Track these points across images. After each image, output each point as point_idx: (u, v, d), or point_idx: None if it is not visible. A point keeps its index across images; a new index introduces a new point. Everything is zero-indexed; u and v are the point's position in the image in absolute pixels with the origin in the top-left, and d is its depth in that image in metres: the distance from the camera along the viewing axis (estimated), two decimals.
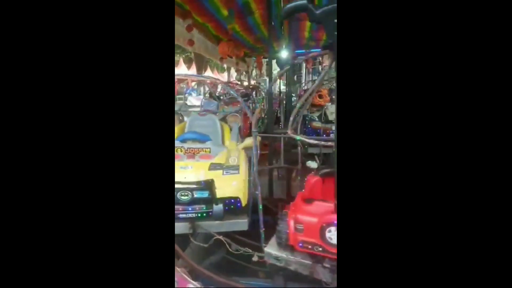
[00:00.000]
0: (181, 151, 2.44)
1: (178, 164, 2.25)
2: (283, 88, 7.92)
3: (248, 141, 2.73)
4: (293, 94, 6.53)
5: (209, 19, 5.13)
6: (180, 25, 4.53)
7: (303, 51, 8.26)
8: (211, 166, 2.33)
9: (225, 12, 4.62)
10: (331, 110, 4.41)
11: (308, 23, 5.98)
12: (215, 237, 2.09)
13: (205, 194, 2.20)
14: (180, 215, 2.15)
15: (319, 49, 8.31)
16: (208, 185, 2.20)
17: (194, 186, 2.19)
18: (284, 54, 6.32)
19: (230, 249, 2.08)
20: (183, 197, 2.17)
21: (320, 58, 9.06)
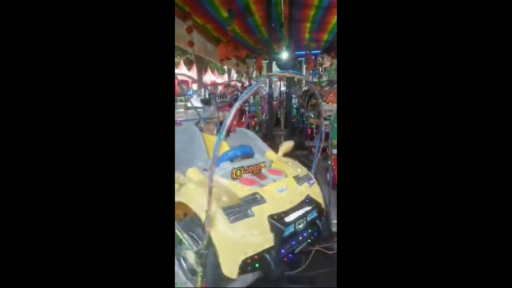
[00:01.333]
0: (241, 172, 1.94)
1: (272, 188, 1.76)
2: (283, 89, 7.94)
3: (287, 145, 2.38)
4: (293, 96, 6.60)
5: (209, 20, 5.15)
6: (180, 27, 4.55)
7: (303, 52, 8.30)
8: (297, 180, 1.93)
9: (225, 14, 4.63)
10: (325, 109, 4.78)
11: (308, 25, 6.01)
12: (314, 249, 1.84)
13: (315, 214, 1.83)
14: (296, 248, 1.71)
15: (320, 51, 8.38)
16: (314, 202, 1.83)
17: (309, 208, 1.77)
18: (284, 55, 6.34)
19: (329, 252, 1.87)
20: (300, 226, 1.71)
21: (320, 59, 9.10)
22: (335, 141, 2.84)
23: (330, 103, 4.62)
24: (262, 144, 2.48)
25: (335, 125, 3.32)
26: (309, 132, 3.94)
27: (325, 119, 4.92)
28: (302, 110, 4.94)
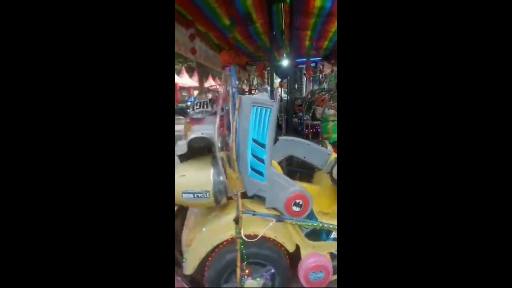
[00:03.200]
0: None
1: None
2: (284, 96, 7.97)
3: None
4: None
5: (211, 28, 5.20)
6: (182, 34, 4.59)
7: (304, 59, 8.35)
8: None
9: (226, 21, 4.69)
10: (319, 111, 5.37)
11: (308, 32, 6.06)
12: None
13: None
14: None
15: (320, 58, 8.42)
16: None
17: None
18: (285, 63, 6.40)
19: None
20: None
21: (321, 66, 9.16)
22: (326, 135, 3.94)
23: (321, 107, 5.43)
24: (321, 147, 2.33)
25: (324, 123, 4.22)
26: (305, 133, 4.87)
27: (317, 119, 5.37)
28: (300, 114, 5.58)
